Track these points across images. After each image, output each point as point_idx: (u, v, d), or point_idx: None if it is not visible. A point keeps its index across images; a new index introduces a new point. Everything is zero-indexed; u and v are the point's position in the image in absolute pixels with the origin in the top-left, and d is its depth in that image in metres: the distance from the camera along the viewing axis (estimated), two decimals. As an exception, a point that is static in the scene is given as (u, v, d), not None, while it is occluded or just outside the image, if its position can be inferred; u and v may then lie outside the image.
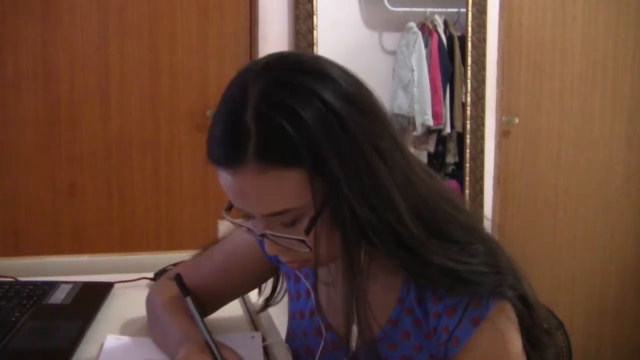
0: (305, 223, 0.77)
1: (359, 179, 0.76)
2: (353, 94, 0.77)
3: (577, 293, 2.97)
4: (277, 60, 0.78)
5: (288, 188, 0.75)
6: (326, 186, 0.75)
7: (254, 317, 1.20)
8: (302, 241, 0.77)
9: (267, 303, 1.09)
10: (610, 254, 3.01)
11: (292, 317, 1.04)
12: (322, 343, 0.94)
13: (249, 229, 0.83)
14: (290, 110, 0.73)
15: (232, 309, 1.17)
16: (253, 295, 1.24)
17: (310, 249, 0.78)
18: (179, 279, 0.98)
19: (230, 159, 0.78)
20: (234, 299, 1.14)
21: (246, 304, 1.25)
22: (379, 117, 0.80)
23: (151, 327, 1.06)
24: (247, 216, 0.82)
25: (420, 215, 0.81)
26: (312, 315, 0.98)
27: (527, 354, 0.84)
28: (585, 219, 2.96)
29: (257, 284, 1.11)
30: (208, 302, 1.07)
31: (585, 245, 2.98)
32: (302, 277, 1.00)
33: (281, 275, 1.07)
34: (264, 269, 1.06)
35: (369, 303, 0.83)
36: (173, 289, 1.04)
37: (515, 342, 0.82)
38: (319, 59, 0.80)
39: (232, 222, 0.85)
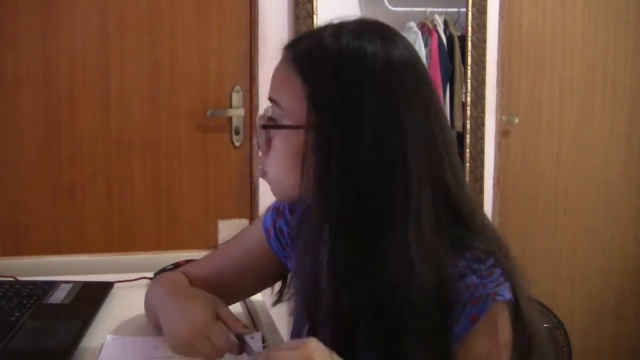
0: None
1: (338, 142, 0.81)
2: (422, 81, 0.85)
3: (577, 293, 2.97)
4: (377, 22, 0.90)
5: (290, 88, 0.85)
6: (315, 121, 0.82)
7: (254, 317, 1.20)
8: (263, 128, 0.87)
9: (280, 297, 1.10)
10: (610, 254, 3.01)
11: (297, 315, 1.04)
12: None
13: None
14: (335, 47, 0.83)
15: (232, 309, 1.17)
16: (254, 296, 1.24)
17: (260, 149, 0.89)
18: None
19: (288, 45, 0.90)
20: (242, 298, 1.15)
21: (246, 304, 1.25)
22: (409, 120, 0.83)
23: (148, 310, 1.07)
24: None
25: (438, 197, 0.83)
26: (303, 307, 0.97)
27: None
28: (585, 219, 2.96)
29: (266, 283, 1.12)
30: (223, 297, 1.08)
31: (585, 245, 2.98)
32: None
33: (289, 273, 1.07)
34: (273, 268, 1.07)
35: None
36: (174, 276, 1.07)
37: (506, 336, 0.83)
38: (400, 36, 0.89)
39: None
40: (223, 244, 1.13)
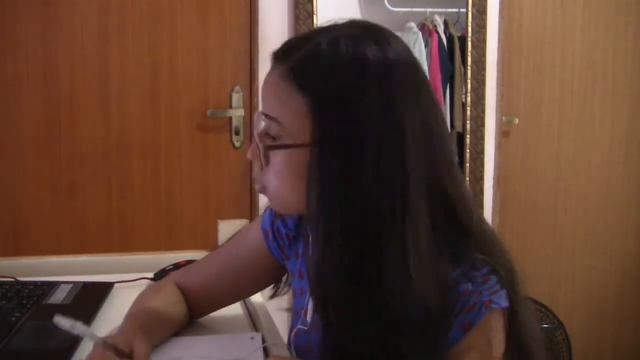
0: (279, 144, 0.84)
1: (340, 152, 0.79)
2: (421, 81, 0.84)
3: (577, 293, 2.97)
4: (370, 25, 0.87)
5: (290, 106, 0.82)
6: (318, 135, 0.80)
7: (254, 317, 1.20)
8: (264, 149, 0.84)
9: (275, 291, 1.10)
10: (610, 254, 3.01)
11: (295, 313, 1.04)
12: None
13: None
14: (336, 56, 0.81)
15: (232, 309, 1.17)
16: (254, 296, 1.24)
17: (262, 167, 0.86)
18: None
19: (279, 56, 0.87)
20: (240, 299, 1.15)
21: (246, 304, 1.25)
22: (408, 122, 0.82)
23: None
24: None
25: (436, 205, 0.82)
26: (315, 311, 0.98)
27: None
28: (585, 219, 2.96)
29: (264, 284, 1.12)
30: (215, 299, 1.09)
31: (585, 245, 2.98)
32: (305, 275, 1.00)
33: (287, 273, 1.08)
34: (271, 268, 1.07)
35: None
36: (158, 284, 1.09)
37: (499, 346, 0.82)
38: (394, 36, 0.86)
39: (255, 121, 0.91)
40: (221, 245, 1.13)
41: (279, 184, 0.86)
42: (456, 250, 0.83)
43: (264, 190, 0.89)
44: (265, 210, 1.08)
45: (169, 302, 1.05)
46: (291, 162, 0.83)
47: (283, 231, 1.04)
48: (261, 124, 0.85)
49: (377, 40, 0.82)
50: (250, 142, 2.41)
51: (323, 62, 0.81)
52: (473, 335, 0.80)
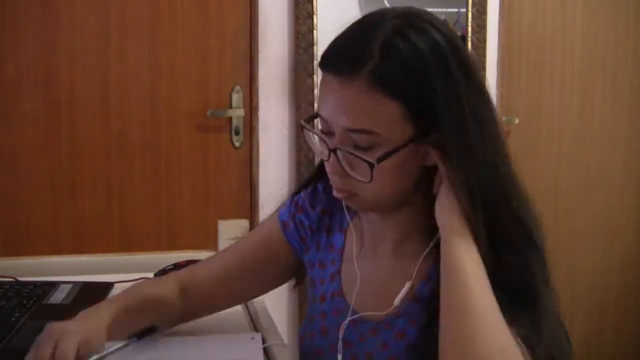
0: (379, 152, 0.84)
1: (455, 134, 0.83)
2: (472, 63, 0.88)
3: (577, 292, 2.96)
4: (411, 9, 0.88)
5: (383, 113, 0.83)
6: (417, 129, 0.84)
7: (254, 318, 1.20)
8: (371, 166, 0.83)
9: (297, 282, 1.13)
10: (610, 254, 3.01)
11: (312, 301, 1.05)
12: (348, 318, 0.96)
13: (323, 142, 0.88)
14: (415, 50, 0.82)
15: (233, 310, 1.17)
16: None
17: (372, 179, 0.84)
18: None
19: (347, 68, 0.83)
20: (250, 297, 1.15)
21: (246, 304, 1.25)
22: (484, 90, 0.90)
23: None
24: (328, 130, 0.88)
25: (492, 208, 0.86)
26: (334, 297, 0.99)
27: None
28: (585, 218, 2.96)
29: (275, 281, 1.13)
30: (228, 296, 1.10)
31: (585, 245, 2.97)
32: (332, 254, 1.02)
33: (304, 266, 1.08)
34: (283, 262, 1.08)
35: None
36: (147, 282, 1.12)
37: None
38: (437, 18, 0.88)
39: (310, 130, 0.92)
40: (228, 246, 1.13)
41: (382, 187, 0.87)
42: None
43: (352, 197, 0.90)
44: (282, 205, 1.09)
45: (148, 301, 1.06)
46: (396, 164, 0.85)
47: (306, 223, 1.05)
48: (347, 139, 0.85)
49: (432, 23, 0.85)
50: (251, 142, 2.39)
51: (402, 60, 0.82)
52: None
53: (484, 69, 2.70)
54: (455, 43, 0.86)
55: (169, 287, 1.08)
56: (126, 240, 2.34)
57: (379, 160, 0.83)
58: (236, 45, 2.40)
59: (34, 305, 1.14)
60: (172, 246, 2.34)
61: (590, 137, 2.93)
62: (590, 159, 2.94)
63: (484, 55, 2.70)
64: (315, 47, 2.38)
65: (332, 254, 1.02)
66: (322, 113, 0.87)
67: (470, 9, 2.67)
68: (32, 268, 1.42)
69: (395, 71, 0.82)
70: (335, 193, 0.91)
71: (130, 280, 1.31)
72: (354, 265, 0.98)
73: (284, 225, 1.07)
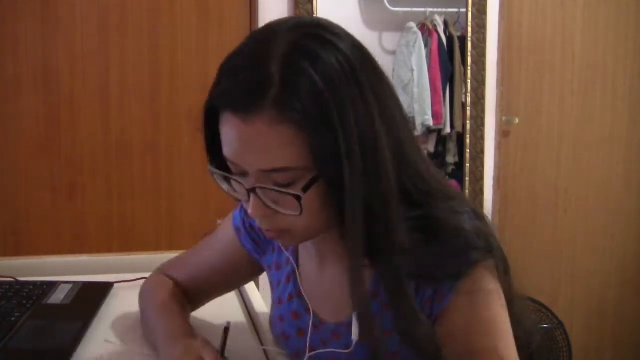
0: (302, 183, 0.75)
1: (362, 142, 0.75)
2: (374, 64, 0.80)
3: (577, 293, 2.97)
4: (301, 19, 0.79)
5: (295, 147, 0.73)
6: (331, 150, 0.73)
7: (254, 318, 1.20)
8: (297, 199, 0.75)
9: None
10: (610, 254, 3.01)
11: (273, 304, 1.04)
12: (311, 322, 0.94)
13: (238, 183, 0.80)
14: (317, 60, 0.72)
15: (232, 309, 1.17)
16: (254, 297, 1.24)
17: (301, 211, 0.76)
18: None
19: (246, 102, 0.73)
20: (222, 293, 1.15)
21: (246, 304, 1.25)
22: (389, 85, 0.82)
23: (143, 324, 1.08)
24: (240, 172, 0.79)
25: (409, 191, 0.81)
26: (291, 299, 0.98)
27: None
28: (585, 219, 2.96)
29: (238, 282, 1.16)
30: (198, 294, 1.10)
31: (585, 245, 2.98)
32: (287, 255, 1.00)
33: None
34: (244, 266, 1.07)
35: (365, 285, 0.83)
36: (165, 287, 1.08)
37: (496, 300, 0.82)
38: (334, 24, 0.80)
39: (219, 174, 0.84)
40: (200, 241, 1.13)
41: (312, 217, 0.79)
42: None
43: (283, 234, 0.82)
44: (237, 207, 1.07)
45: (183, 305, 1.07)
46: (323, 190, 0.76)
47: (256, 226, 1.01)
48: (264, 178, 0.76)
49: (324, 39, 0.75)
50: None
51: (303, 87, 0.72)
52: (463, 286, 0.81)
53: (484, 69, 2.71)
54: (363, 47, 0.79)
55: (171, 285, 1.09)
56: (126, 240, 2.34)
57: (305, 189, 0.75)
58: (236, 45, 2.39)
59: (34, 306, 1.14)
60: (172, 246, 2.34)
61: (590, 137, 2.93)
62: (590, 159, 2.94)
63: (484, 55, 2.70)
64: (315, 47, 2.38)
65: (286, 254, 1.00)
66: (229, 156, 0.78)
67: (470, 9, 2.67)
68: (32, 268, 1.41)
69: (295, 101, 0.71)
70: (265, 234, 0.83)
71: (130, 280, 1.31)
72: (307, 266, 0.97)
73: (237, 231, 1.05)
